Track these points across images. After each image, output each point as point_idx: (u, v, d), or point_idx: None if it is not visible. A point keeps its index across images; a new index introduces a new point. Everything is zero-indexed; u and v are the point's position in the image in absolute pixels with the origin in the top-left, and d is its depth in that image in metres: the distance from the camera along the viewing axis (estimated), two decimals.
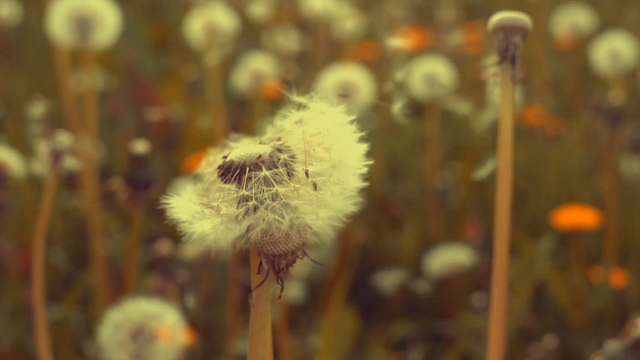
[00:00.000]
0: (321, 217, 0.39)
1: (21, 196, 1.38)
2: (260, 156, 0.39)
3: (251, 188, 0.38)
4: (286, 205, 0.38)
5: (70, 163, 0.79)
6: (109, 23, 1.22)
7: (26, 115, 1.39)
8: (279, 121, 0.40)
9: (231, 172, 0.39)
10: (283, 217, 0.38)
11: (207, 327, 1.24)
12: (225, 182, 0.39)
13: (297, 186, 0.38)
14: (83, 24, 1.20)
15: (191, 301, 1.08)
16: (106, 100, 1.80)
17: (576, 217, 1.32)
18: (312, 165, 0.39)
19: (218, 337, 1.23)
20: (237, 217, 0.38)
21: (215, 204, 0.39)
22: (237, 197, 0.38)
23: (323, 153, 0.39)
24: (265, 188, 0.38)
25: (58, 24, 1.21)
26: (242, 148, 0.39)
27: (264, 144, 0.39)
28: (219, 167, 0.39)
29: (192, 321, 1.15)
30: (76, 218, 1.45)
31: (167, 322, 0.81)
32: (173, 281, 1.00)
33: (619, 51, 1.67)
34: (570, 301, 1.27)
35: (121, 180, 0.91)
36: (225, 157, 0.39)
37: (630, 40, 1.69)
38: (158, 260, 1.00)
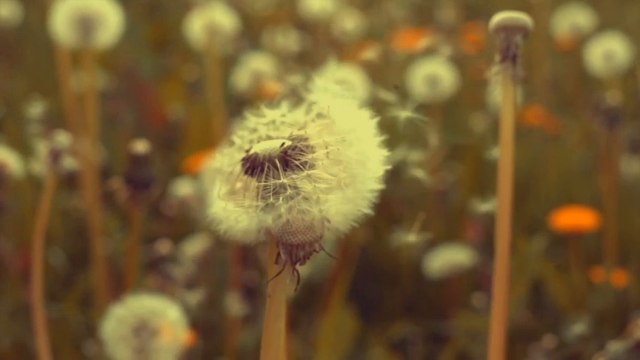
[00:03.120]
0: (341, 211, 0.39)
1: (21, 196, 1.38)
2: (284, 149, 0.39)
3: (275, 181, 0.39)
4: (309, 197, 0.39)
5: (69, 162, 0.79)
6: (111, 23, 1.22)
7: (26, 115, 1.39)
8: (296, 115, 0.41)
9: (255, 165, 0.39)
10: (307, 209, 0.39)
11: (207, 327, 1.24)
12: (249, 175, 0.40)
13: (320, 179, 0.39)
14: (86, 24, 1.20)
15: (194, 297, 1.08)
16: (105, 100, 1.80)
17: (575, 217, 1.32)
18: (333, 160, 0.39)
19: (218, 337, 1.23)
20: (263, 209, 0.39)
21: (241, 197, 0.40)
22: (262, 189, 0.39)
23: (344, 149, 0.40)
24: (289, 181, 0.39)
25: (61, 24, 1.21)
26: (265, 142, 0.40)
27: (285, 138, 0.40)
28: (244, 160, 0.40)
29: (193, 321, 1.15)
30: (76, 218, 1.45)
31: (169, 318, 0.81)
32: (173, 281, 1.00)
33: (614, 52, 1.68)
34: (570, 302, 1.27)
35: (121, 180, 0.92)
36: (248, 150, 0.40)
37: (625, 41, 1.69)
38: (158, 260, 1.00)
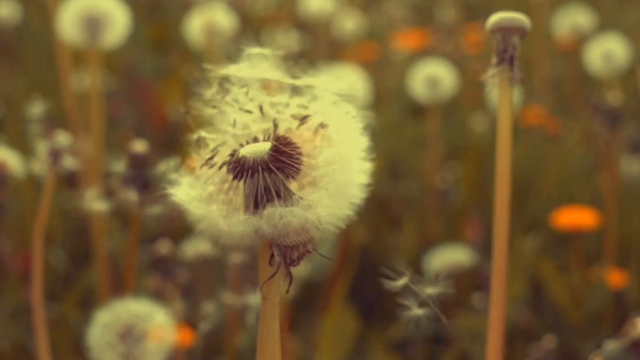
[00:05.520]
0: (330, 211, 0.39)
1: (21, 196, 1.38)
2: (272, 152, 0.39)
3: (264, 183, 0.39)
4: (299, 199, 0.39)
5: (69, 162, 0.80)
6: (118, 24, 1.22)
7: (26, 115, 1.39)
8: (277, 112, 0.41)
9: (245, 168, 0.39)
10: (297, 211, 0.39)
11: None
12: (238, 179, 0.40)
13: (307, 180, 0.39)
14: (93, 24, 1.20)
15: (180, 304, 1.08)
16: (106, 100, 1.81)
17: (576, 217, 1.33)
18: (318, 158, 0.39)
19: (218, 337, 1.23)
20: (255, 212, 0.39)
21: (230, 201, 0.40)
22: (253, 193, 0.39)
23: (332, 149, 0.39)
24: (280, 184, 0.39)
25: (68, 23, 1.21)
26: (251, 145, 0.40)
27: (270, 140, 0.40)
28: (231, 163, 0.40)
29: (192, 321, 1.15)
30: (76, 218, 1.45)
31: (156, 321, 0.81)
32: (173, 281, 1.00)
33: (613, 52, 1.68)
34: (569, 301, 1.27)
35: (121, 180, 0.92)
36: (233, 154, 0.40)
37: (624, 41, 1.70)
38: (158, 260, 1.00)
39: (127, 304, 0.82)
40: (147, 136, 1.40)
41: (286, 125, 0.41)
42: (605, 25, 2.04)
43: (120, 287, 1.15)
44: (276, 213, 0.39)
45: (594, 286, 1.29)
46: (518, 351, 1.17)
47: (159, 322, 0.81)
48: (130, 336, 0.80)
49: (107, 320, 0.81)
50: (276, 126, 0.41)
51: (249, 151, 0.39)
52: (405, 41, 2.23)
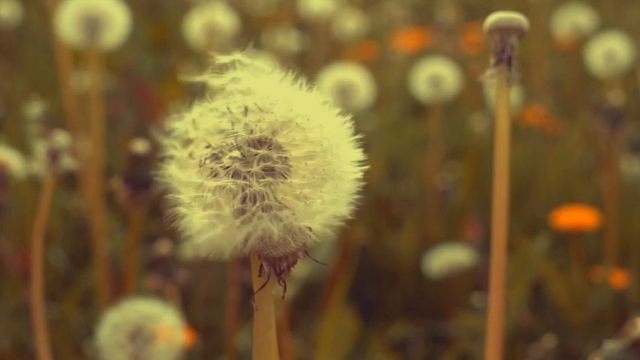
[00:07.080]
0: (317, 219, 0.39)
1: (21, 196, 1.38)
2: (258, 156, 0.39)
3: (251, 190, 0.38)
4: (288, 209, 0.38)
5: (68, 162, 0.79)
6: (118, 24, 1.22)
7: (26, 115, 1.39)
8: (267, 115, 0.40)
9: (231, 175, 0.39)
10: (280, 223, 0.38)
11: (207, 327, 1.24)
12: (224, 184, 0.39)
13: (293, 189, 0.38)
14: (93, 24, 1.20)
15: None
16: (106, 100, 1.80)
17: (576, 217, 1.32)
18: (308, 164, 0.39)
19: (218, 337, 1.23)
20: (242, 222, 0.38)
21: (217, 209, 0.39)
22: (239, 201, 0.38)
23: (317, 152, 0.39)
24: (265, 188, 0.38)
25: (68, 23, 1.21)
26: (237, 150, 0.39)
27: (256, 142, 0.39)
28: (218, 169, 0.39)
29: (192, 321, 1.15)
30: (76, 218, 1.45)
31: (165, 322, 0.81)
32: (173, 281, 1.00)
33: (614, 52, 1.68)
34: (570, 302, 1.27)
35: (121, 180, 0.92)
36: (221, 160, 0.39)
37: (626, 41, 1.70)
38: (158, 260, 1.00)
39: (136, 304, 0.82)
40: (147, 136, 1.40)
41: (272, 124, 0.39)
42: (606, 24, 2.04)
43: (120, 287, 1.15)
44: (258, 226, 0.38)
45: (595, 286, 1.29)
46: (518, 351, 1.17)
47: (168, 323, 0.81)
48: (139, 336, 0.80)
49: (116, 320, 0.81)
50: (260, 130, 0.39)
51: (236, 156, 0.39)
52: (405, 41, 2.23)
